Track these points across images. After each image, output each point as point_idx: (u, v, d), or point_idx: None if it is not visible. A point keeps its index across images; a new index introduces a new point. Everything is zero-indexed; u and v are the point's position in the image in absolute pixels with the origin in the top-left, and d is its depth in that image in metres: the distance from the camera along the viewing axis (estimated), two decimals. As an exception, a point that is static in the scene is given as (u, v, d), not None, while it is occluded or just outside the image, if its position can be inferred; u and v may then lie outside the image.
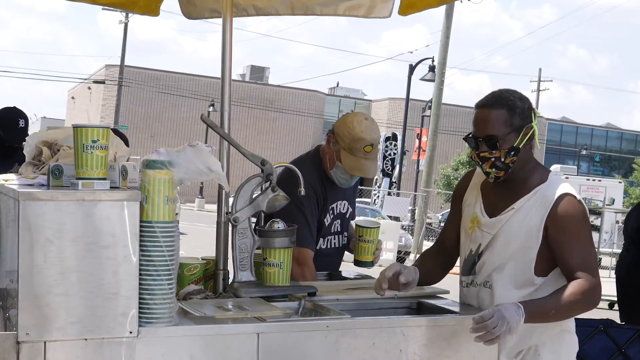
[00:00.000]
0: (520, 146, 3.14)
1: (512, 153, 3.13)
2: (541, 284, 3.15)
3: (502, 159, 3.13)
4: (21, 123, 5.22)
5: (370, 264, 4.04)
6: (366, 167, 3.89)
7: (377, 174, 4.02)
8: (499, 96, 3.18)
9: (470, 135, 3.19)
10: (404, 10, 4.34)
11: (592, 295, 3.08)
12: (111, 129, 5.47)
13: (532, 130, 3.16)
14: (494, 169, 3.16)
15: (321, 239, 4.01)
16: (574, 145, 60.52)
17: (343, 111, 60.45)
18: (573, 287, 3.07)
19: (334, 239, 4.06)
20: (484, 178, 3.28)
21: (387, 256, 19.87)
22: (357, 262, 4.06)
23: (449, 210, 3.60)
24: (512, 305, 2.94)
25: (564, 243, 3.10)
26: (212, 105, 42.15)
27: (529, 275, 3.15)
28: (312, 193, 3.83)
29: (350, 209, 4.14)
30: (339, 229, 4.08)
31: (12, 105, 5.43)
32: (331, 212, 4.02)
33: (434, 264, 3.48)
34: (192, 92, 51.86)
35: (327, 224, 4.00)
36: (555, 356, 3.22)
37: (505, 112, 3.12)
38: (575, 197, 3.15)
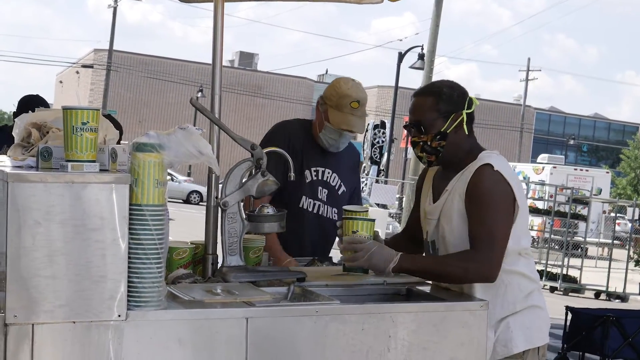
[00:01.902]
0: (447, 131, 3.25)
1: (439, 137, 3.26)
2: None
3: (429, 143, 3.27)
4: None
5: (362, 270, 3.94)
6: (352, 121, 4.00)
7: (363, 130, 4.09)
8: (431, 85, 3.44)
9: (406, 123, 3.36)
10: (395, -4, 4.32)
11: (476, 267, 3.12)
12: (105, 115, 5.51)
13: (461, 117, 3.27)
14: (424, 154, 3.30)
15: (304, 197, 4.08)
16: (562, 135, 60.68)
17: (332, 98, 60.35)
18: (460, 254, 3.18)
19: (322, 207, 4.09)
20: (436, 169, 3.41)
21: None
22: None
23: (415, 198, 3.68)
24: (388, 252, 3.17)
25: (470, 212, 3.18)
26: (201, 90, 42.08)
27: None
28: (285, 139, 4.00)
29: (343, 188, 4.16)
30: (325, 199, 4.11)
31: (35, 94, 5.50)
32: (314, 173, 4.09)
33: (406, 248, 3.50)
34: (181, 78, 51.71)
35: (307, 180, 4.07)
36: (527, 332, 3.27)
37: (432, 99, 3.28)
38: (492, 166, 3.18)
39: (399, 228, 23.11)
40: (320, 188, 4.12)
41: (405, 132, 3.44)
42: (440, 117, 3.25)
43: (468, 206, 3.19)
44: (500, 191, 3.17)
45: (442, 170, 3.37)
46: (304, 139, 4.11)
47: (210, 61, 3.63)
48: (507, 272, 3.20)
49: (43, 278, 2.45)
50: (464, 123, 3.28)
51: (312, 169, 4.09)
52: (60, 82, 62.65)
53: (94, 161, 2.60)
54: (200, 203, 36.12)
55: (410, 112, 3.34)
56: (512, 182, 3.19)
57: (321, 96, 4.13)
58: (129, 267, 2.55)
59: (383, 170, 29.47)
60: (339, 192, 4.16)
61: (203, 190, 36.49)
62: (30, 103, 5.36)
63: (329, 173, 4.13)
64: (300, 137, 4.11)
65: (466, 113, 3.28)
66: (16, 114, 5.36)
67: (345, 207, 3.50)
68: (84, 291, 2.50)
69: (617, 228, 23.11)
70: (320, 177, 4.12)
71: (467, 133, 3.29)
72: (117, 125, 5.91)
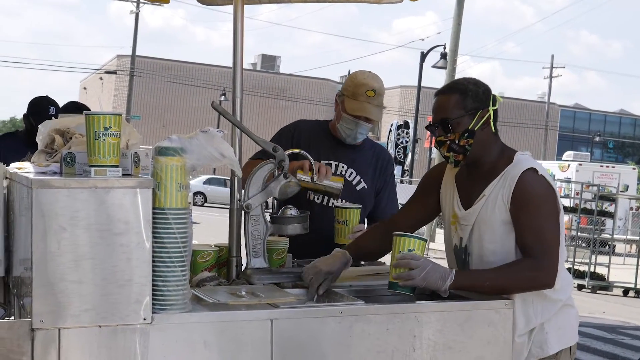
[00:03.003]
0: (475, 129, 3.16)
1: (467, 135, 3.15)
2: None
3: (457, 141, 3.16)
4: (52, 111, 5.30)
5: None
6: (369, 109, 4.00)
7: (380, 119, 4.04)
8: (454, 82, 3.30)
9: (430, 123, 3.25)
10: (416, -5, 4.32)
11: (537, 276, 3.08)
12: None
13: (487, 114, 3.18)
14: (451, 153, 3.19)
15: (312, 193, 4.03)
16: (587, 131, 60.30)
17: (355, 99, 60.27)
18: (518, 263, 3.11)
19: (337, 202, 4.05)
20: (457, 170, 3.31)
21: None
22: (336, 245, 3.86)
23: (414, 192, 3.61)
24: (443, 269, 3.06)
25: (520, 218, 3.11)
26: (224, 94, 42.18)
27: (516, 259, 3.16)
28: (289, 135, 4.07)
29: (364, 184, 4.13)
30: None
31: (44, 95, 5.52)
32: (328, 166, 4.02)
33: (377, 242, 3.50)
34: (204, 82, 51.90)
35: None
36: (560, 332, 3.24)
37: (457, 96, 3.18)
38: (537, 171, 3.14)
39: (424, 230, 23.04)
40: None
41: (428, 132, 3.34)
42: (467, 115, 3.15)
43: (516, 213, 3.11)
44: (549, 196, 3.13)
45: (468, 171, 3.27)
46: (313, 134, 4.09)
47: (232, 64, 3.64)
48: None
49: (69, 283, 2.47)
50: (491, 120, 3.20)
51: (322, 162, 4.03)
52: (84, 88, 63.04)
53: (117, 166, 2.61)
54: (205, 204, 35.94)
55: (434, 111, 3.24)
56: (554, 185, 3.17)
57: (339, 90, 4.17)
58: (153, 271, 2.56)
59: (407, 170, 29.40)
60: (357, 188, 4.11)
61: (207, 190, 36.42)
62: (40, 104, 5.37)
63: (343, 167, 4.10)
64: (309, 133, 4.09)
65: (492, 110, 3.20)
66: (26, 116, 5.37)
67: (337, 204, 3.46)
68: (109, 295, 2.51)
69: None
70: (335, 172, 4.09)
71: (493, 130, 3.22)
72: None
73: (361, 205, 3.91)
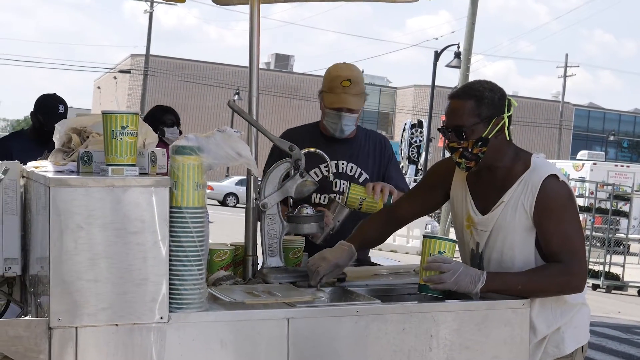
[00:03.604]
0: (489, 137, 3.11)
1: (480, 143, 3.11)
2: None
3: (470, 149, 3.12)
4: (61, 109, 5.30)
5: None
6: (346, 99, 4.01)
7: (361, 107, 4.02)
8: (469, 87, 3.19)
9: (443, 126, 3.20)
10: (431, -5, 4.31)
11: (569, 280, 3.09)
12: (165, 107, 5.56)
13: (502, 121, 3.13)
14: (463, 159, 3.15)
15: (313, 195, 4.01)
16: (602, 131, 60.02)
17: (368, 99, 60.35)
18: (549, 268, 3.09)
19: (337, 199, 4.03)
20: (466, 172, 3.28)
21: (414, 243, 19.86)
22: None
23: (419, 182, 3.61)
24: (475, 271, 3.05)
25: (546, 226, 3.09)
26: (237, 93, 42.21)
27: (535, 265, 3.14)
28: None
29: (365, 175, 4.11)
30: (344, 189, 3.98)
31: (52, 92, 5.50)
32: (325, 169, 4.02)
33: (377, 230, 3.54)
34: (217, 81, 51.96)
35: (317, 178, 3.99)
36: (575, 331, 3.24)
37: (472, 103, 3.10)
38: (558, 177, 3.13)
39: (437, 227, 23.00)
40: (336, 181, 4.07)
41: (441, 134, 3.25)
42: (482, 122, 3.09)
43: (540, 220, 3.09)
44: (571, 202, 3.14)
45: (482, 176, 3.23)
46: (305, 139, 3.94)
47: (246, 64, 3.65)
48: None
49: (85, 281, 2.47)
50: (506, 127, 3.15)
51: (322, 165, 4.03)
52: (98, 87, 63.24)
53: (134, 165, 2.61)
54: (238, 205, 35.86)
55: (447, 116, 3.18)
56: (571, 189, 3.17)
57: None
58: (170, 270, 2.57)
59: (421, 169, 29.38)
60: (360, 180, 4.10)
61: (239, 191, 36.30)
62: (48, 102, 5.36)
63: (343, 164, 4.09)
64: (300, 139, 3.93)
65: (507, 116, 3.15)
66: (34, 114, 5.36)
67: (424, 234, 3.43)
68: (126, 294, 2.52)
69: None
70: (336, 171, 4.08)
71: (508, 138, 3.17)
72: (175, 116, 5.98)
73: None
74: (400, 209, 3.54)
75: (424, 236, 3.11)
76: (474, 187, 3.28)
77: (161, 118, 6.26)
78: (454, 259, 3.07)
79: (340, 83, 4.00)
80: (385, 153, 4.24)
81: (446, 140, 3.19)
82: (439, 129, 3.28)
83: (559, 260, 3.07)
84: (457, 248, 3.25)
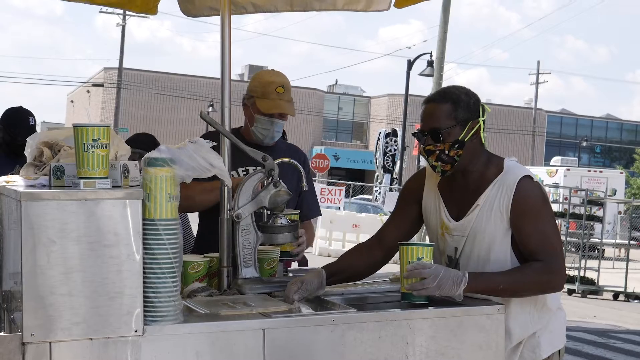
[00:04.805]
0: (465, 139, 3.14)
1: (457, 146, 3.14)
2: None
3: (447, 152, 3.14)
4: (31, 121, 5.28)
5: (288, 254, 3.75)
6: (282, 105, 4.00)
7: (294, 114, 3.98)
8: (445, 91, 3.24)
9: (419, 130, 3.22)
10: (401, 3, 4.33)
11: (549, 279, 3.11)
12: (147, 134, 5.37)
13: (477, 125, 3.17)
14: (439, 162, 3.17)
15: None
16: (574, 137, 60.42)
17: (342, 109, 60.46)
18: (530, 266, 3.11)
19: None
20: (439, 179, 3.29)
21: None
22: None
23: (395, 206, 3.54)
24: (456, 273, 3.02)
25: (524, 226, 3.11)
26: (212, 105, 42.16)
27: (510, 267, 3.15)
28: None
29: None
30: None
31: (18, 105, 5.46)
32: (243, 173, 3.98)
33: (363, 259, 3.42)
34: (191, 93, 51.82)
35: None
36: (550, 335, 3.26)
37: (449, 106, 3.14)
38: (532, 178, 3.17)
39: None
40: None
41: (417, 140, 3.22)
42: (458, 125, 3.13)
43: (517, 221, 3.11)
44: (546, 202, 3.18)
45: (453, 181, 3.25)
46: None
47: (219, 75, 3.64)
48: None
49: (59, 296, 2.46)
50: (481, 131, 3.19)
51: (240, 169, 4.00)
52: (72, 101, 62.89)
53: (106, 177, 2.60)
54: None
55: (423, 119, 3.20)
56: (545, 189, 3.21)
57: (245, 93, 4.14)
58: (144, 282, 2.55)
59: (396, 178, 29.47)
60: None
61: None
62: (18, 115, 5.32)
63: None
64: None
65: (482, 120, 3.19)
66: (3, 129, 5.28)
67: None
68: (100, 307, 2.50)
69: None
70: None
71: (482, 142, 3.21)
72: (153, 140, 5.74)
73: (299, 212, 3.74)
74: (383, 237, 3.45)
75: (400, 244, 3.09)
76: (446, 194, 3.29)
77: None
78: (434, 264, 3.06)
79: (275, 89, 4.00)
80: (301, 174, 3.93)
81: (421, 145, 3.20)
82: (413, 134, 3.28)
83: (539, 259, 3.09)
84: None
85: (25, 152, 2.95)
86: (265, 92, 4.01)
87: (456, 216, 3.24)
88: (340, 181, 31.24)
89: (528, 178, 3.15)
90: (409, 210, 3.45)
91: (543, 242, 3.10)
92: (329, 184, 28.30)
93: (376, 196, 29.31)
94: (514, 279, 3.09)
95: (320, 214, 4.45)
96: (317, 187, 22.44)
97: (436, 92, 3.27)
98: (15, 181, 2.80)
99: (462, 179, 3.23)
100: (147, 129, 51.64)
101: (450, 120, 3.13)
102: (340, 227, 21.01)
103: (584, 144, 54.25)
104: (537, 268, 3.09)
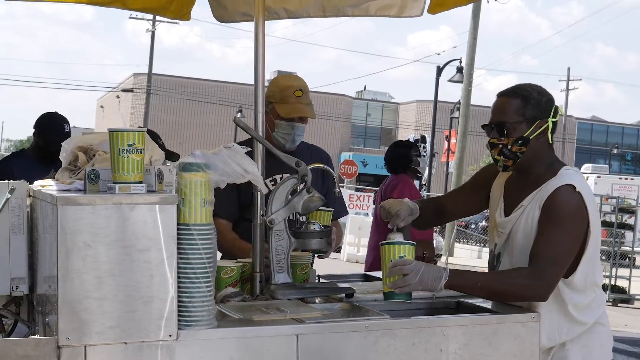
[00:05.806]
0: (530, 137, 3.13)
1: (520, 142, 3.13)
2: (571, 281, 3.13)
3: (510, 147, 3.14)
4: (67, 127, 5.29)
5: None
6: (301, 109, 4.01)
7: (314, 116, 4.01)
8: (518, 87, 3.24)
9: (487, 123, 3.23)
10: (434, 9, 4.33)
11: (534, 285, 3.04)
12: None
13: (546, 125, 3.15)
14: (502, 157, 3.17)
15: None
16: (605, 144, 60.02)
17: (370, 115, 60.49)
18: (515, 270, 3.11)
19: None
20: (508, 175, 3.29)
21: (419, 259, 19.79)
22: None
23: (465, 183, 3.64)
24: (436, 268, 3.03)
25: (539, 230, 3.09)
26: (240, 111, 42.29)
27: None
28: None
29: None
30: None
31: (53, 111, 5.48)
32: (272, 183, 3.98)
33: (431, 215, 3.55)
34: (220, 99, 52.04)
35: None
36: (583, 350, 3.20)
37: (518, 101, 3.15)
38: (573, 187, 3.09)
39: (442, 243, 22.96)
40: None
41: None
42: (525, 122, 3.12)
43: (539, 225, 3.09)
44: (574, 214, 3.07)
45: (516, 179, 3.26)
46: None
47: (249, 81, 3.65)
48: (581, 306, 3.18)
49: (93, 300, 2.47)
50: (549, 132, 3.17)
51: (268, 179, 3.98)
52: (101, 107, 63.40)
53: (140, 182, 2.61)
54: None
55: (492, 112, 3.21)
56: (591, 208, 3.10)
57: (265, 100, 4.05)
58: (178, 287, 2.56)
59: (425, 184, 29.38)
60: None
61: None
62: (54, 121, 5.34)
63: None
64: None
65: (552, 121, 3.17)
66: (37, 134, 5.31)
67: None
68: (134, 312, 2.51)
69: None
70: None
71: (550, 142, 3.19)
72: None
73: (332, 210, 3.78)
74: (446, 204, 3.60)
75: (382, 244, 3.10)
76: (507, 191, 3.30)
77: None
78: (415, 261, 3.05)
79: (293, 93, 4.01)
80: (326, 174, 4.08)
81: (490, 139, 3.19)
82: (483, 126, 3.28)
83: (533, 264, 3.04)
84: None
85: (60, 157, 2.97)
86: (284, 97, 4.02)
87: (506, 214, 3.25)
88: (368, 187, 31.19)
89: (569, 187, 3.08)
90: (475, 192, 3.50)
91: (546, 248, 3.04)
92: (357, 190, 28.30)
93: (405, 202, 29.26)
94: (494, 279, 3.13)
95: (347, 213, 4.45)
96: (346, 193, 22.43)
97: (510, 87, 3.26)
98: (51, 185, 2.81)
99: (523, 178, 3.22)
100: (175, 133, 52.03)
101: (517, 115, 3.13)
102: (368, 233, 20.95)
103: (615, 151, 53.83)
104: (523, 272, 3.07)
